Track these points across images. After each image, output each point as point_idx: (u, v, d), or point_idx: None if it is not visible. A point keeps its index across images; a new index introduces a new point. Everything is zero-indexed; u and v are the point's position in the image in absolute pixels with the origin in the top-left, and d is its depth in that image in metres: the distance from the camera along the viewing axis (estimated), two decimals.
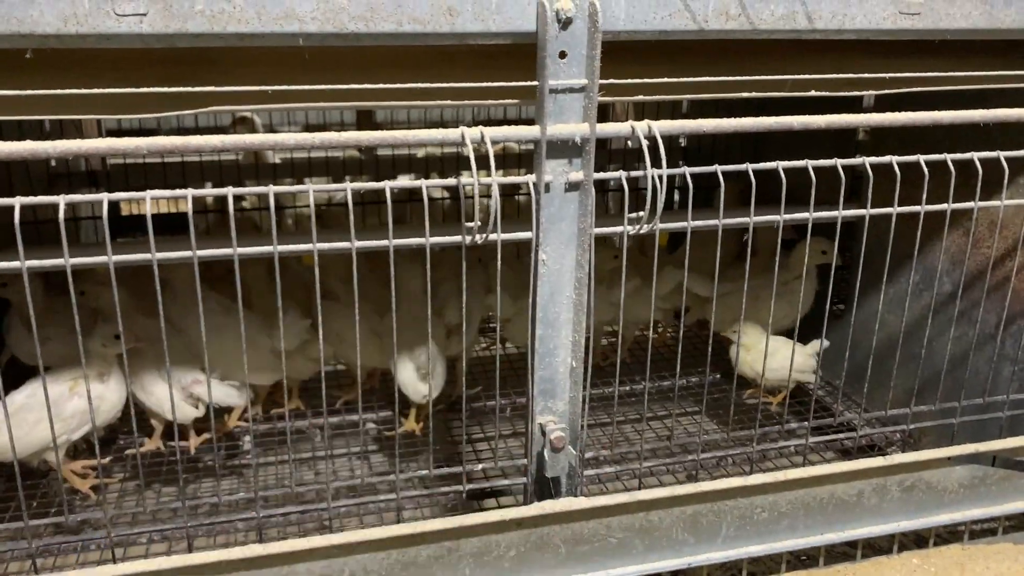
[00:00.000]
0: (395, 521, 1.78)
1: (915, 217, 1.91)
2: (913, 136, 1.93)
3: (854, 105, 2.57)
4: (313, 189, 1.57)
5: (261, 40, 1.48)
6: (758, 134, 1.73)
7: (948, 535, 2.08)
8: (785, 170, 1.76)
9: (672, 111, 3.81)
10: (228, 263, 1.55)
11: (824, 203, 1.87)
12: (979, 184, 1.88)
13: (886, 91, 1.93)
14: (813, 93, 1.83)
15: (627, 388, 2.94)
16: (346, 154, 4.25)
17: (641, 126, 1.62)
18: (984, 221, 2.37)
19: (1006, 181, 1.91)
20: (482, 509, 2.32)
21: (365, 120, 4.15)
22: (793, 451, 2.69)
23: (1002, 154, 1.93)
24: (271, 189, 1.54)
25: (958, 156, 1.90)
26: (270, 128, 4.79)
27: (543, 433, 1.77)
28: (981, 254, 2.41)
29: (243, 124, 4.19)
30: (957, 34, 1.79)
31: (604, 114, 1.59)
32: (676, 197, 3.51)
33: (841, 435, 2.48)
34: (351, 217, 1.54)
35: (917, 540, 2.06)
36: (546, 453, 1.77)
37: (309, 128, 5.57)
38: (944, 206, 1.91)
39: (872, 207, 1.87)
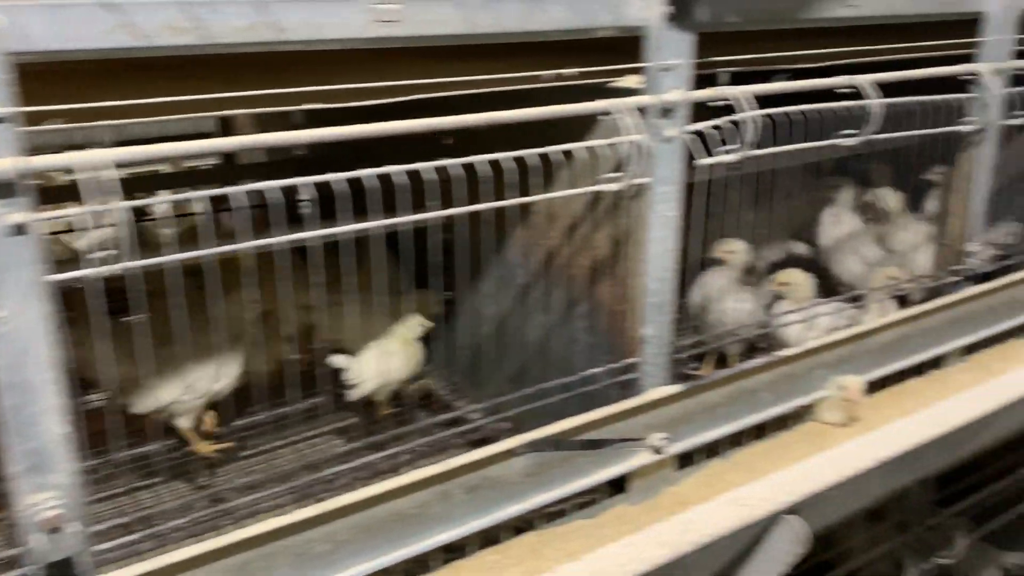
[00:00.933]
0: None
1: (497, 214, 1.96)
2: (490, 137, 1.95)
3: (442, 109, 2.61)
4: None
5: None
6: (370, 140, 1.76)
7: (523, 525, 2.13)
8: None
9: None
10: None
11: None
12: (529, 180, 1.95)
13: (424, 96, 1.92)
14: (334, 104, 1.77)
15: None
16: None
17: (78, 157, 1.44)
18: (544, 214, 2.48)
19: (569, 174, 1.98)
20: None
21: None
22: (413, 453, 2.67)
23: (550, 149, 2.02)
24: None
25: (514, 153, 1.93)
26: None
27: (36, 515, 1.54)
28: (544, 245, 2.52)
29: None
30: (444, 40, 1.80)
31: None
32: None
33: (445, 434, 2.49)
34: None
35: (493, 536, 2.09)
36: (44, 536, 1.55)
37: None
38: (502, 203, 1.96)
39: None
